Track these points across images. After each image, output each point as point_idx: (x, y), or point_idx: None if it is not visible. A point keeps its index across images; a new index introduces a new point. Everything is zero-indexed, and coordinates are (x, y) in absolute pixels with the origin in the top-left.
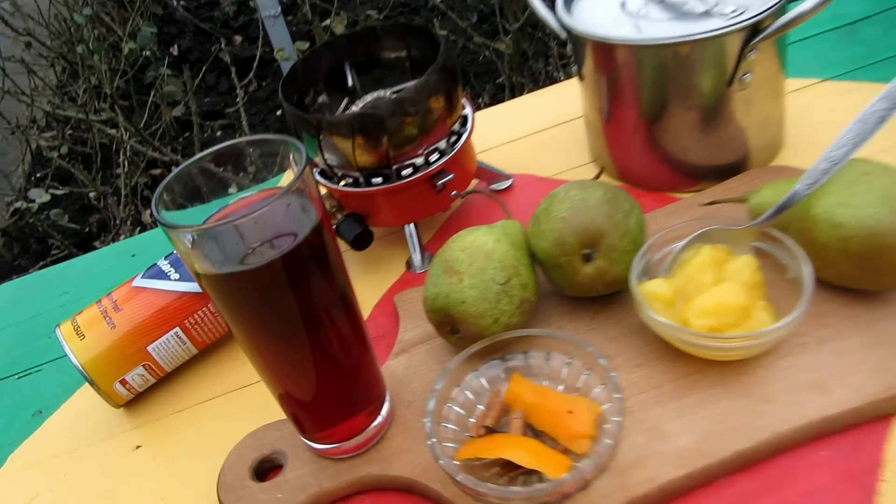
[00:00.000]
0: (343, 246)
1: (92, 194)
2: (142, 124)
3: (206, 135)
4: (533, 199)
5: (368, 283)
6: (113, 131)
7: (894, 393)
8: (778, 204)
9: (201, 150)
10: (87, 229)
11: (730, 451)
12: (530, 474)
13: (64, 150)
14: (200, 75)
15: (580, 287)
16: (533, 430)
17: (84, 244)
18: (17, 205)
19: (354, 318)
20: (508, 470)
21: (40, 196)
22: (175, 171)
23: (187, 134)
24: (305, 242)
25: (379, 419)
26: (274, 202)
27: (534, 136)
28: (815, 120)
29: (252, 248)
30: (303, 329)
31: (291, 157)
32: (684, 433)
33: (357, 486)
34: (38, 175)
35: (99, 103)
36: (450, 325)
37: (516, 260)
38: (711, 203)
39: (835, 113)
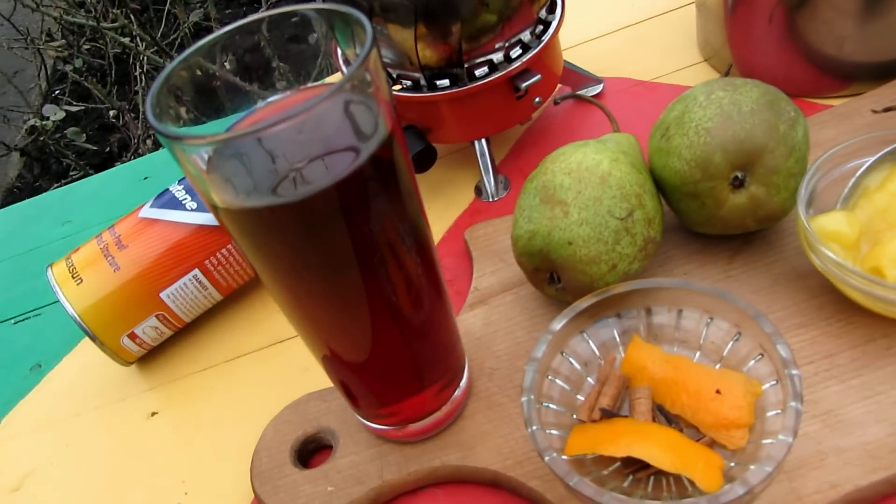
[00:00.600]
0: None
1: (111, 112)
2: (159, 34)
3: None
4: (631, 108)
5: (432, 213)
6: (126, 40)
7: None
8: None
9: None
10: (107, 149)
11: None
12: (663, 474)
13: (78, 63)
14: None
15: (723, 223)
16: (664, 415)
17: (104, 165)
18: (32, 122)
19: (429, 261)
20: (632, 466)
21: (54, 113)
22: (178, 58)
23: None
24: (370, 162)
25: (457, 393)
26: (326, 99)
27: (629, 28)
28: None
29: (293, 171)
30: (361, 278)
31: (345, 45)
32: (875, 421)
33: (429, 479)
34: (56, 92)
35: (113, 9)
36: (549, 272)
37: (640, 186)
38: (888, 109)
39: None
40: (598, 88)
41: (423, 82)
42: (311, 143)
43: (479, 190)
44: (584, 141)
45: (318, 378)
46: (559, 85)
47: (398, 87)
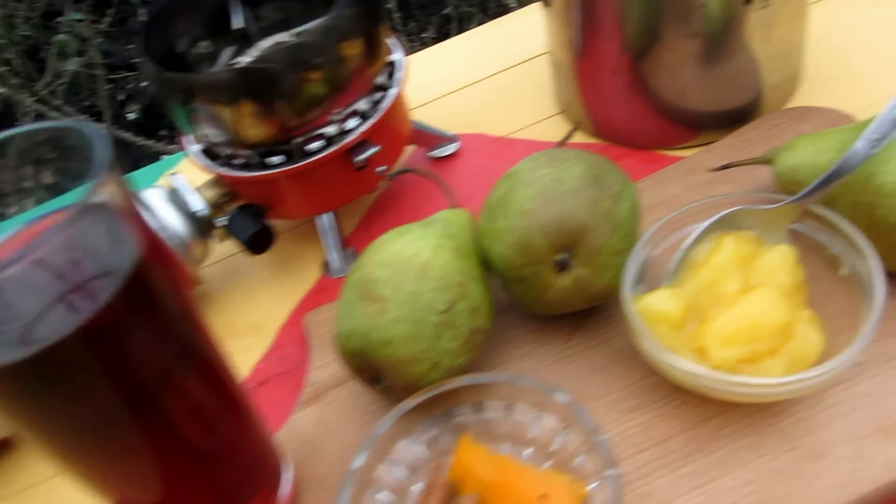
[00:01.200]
0: (236, 249)
1: None
2: (46, 80)
3: (125, 87)
4: (486, 168)
5: (274, 294)
6: (4, 90)
7: None
8: (828, 171)
9: (111, 109)
10: None
11: None
12: None
13: None
14: (112, 16)
15: (552, 305)
16: None
17: None
18: None
19: (217, 380)
20: None
21: None
22: None
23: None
24: (121, 293)
25: None
26: (53, 236)
27: (484, 82)
28: (838, 42)
29: (29, 319)
30: (136, 421)
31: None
32: None
33: None
34: None
35: None
36: (371, 374)
37: (463, 274)
38: (725, 167)
39: (864, 33)
40: (452, 148)
41: (254, 160)
42: (46, 284)
43: (326, 266)
44: (408, 226)
45: None
46: (412, 146)
47: (231, 164)
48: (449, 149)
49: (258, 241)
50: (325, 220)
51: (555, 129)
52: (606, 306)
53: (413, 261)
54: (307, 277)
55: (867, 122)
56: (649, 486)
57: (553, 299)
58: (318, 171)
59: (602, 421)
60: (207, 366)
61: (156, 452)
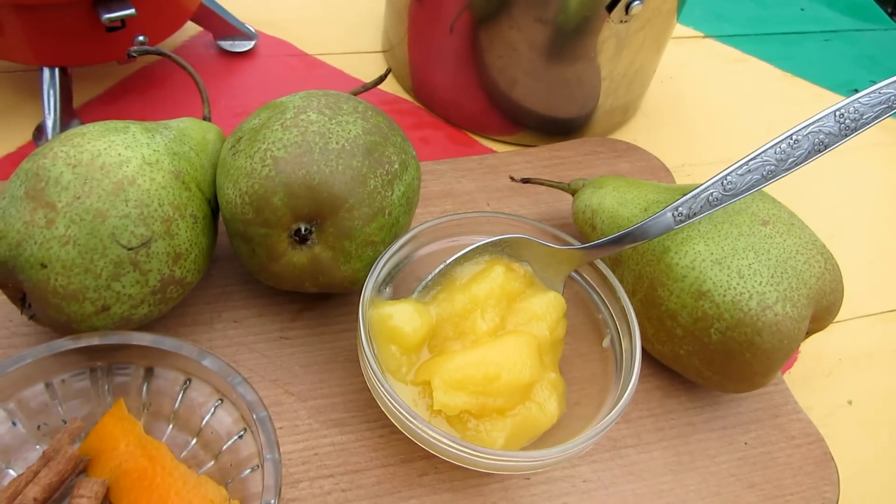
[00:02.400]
0: None
1: None
2: None
3: None
4: (272, 84)
5: None
6: None
7: None
8: (626, 231)
9: None
10: None
11: None
12: None
13: None
14: None
15: (277, 278)
16: None
17: None
18: None
19: None
20: None
21: None
22: None
23: None
24: None
25: None
26: None
27: None
28: (682, 88)
29: None
30: None
31: None
32: None
33: None
34: None
35: None
36: (18, 291)
37: (175, 208)
38: (526, 181)
39: (709, 87)
40: (248, 45)
41: None
42: None
43: (38, 130)
44: (126, 123)
45: None
46: (198, 28)
47: None
48: (241, 45)
49: None
50: (50, 75)
51: (370, 68)
52: (346, 295)
53: (111, 172)
54: (12, 139)
55: (682, 191)
56: None
57: (280, 273)
58: (54, 12)
59: (298, 427)
60: None
61: None
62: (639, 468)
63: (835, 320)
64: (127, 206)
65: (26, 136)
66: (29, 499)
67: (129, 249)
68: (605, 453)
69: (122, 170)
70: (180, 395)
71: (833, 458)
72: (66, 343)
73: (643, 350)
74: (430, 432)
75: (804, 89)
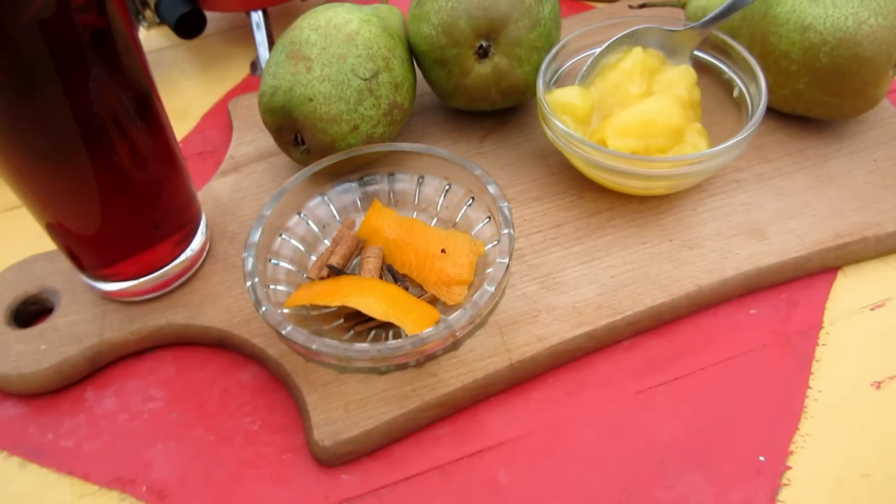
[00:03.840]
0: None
1: None
2: None
3: None
4: None
5: (201, 86)
6: None
7: (843, 242)
8: (730, 1)
9: None
10: None
11: (641, 305)
12: (384, 328)
13: None
14: None
15: (470, 93)
16: (392, 273)
17: None
18: None
19: (154, 124)
20: (356, 322)
21: None
22: None
23: None
24: (74, 18)
25: (187, 253)
26: None
27: None
28: None
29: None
30: (76, 140)
31: None
32: (587, 283)
33: (154, 339)
34: None
35: None
36: (293, 132)
37: (388, 50)
38: (642, 6)
39: None
40: None
41: None
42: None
43: (254, 66)
44: (340, 2)
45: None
46: None
47: None
48: None
49: (188, 24)
50: (257, 16)
51: None
52: (519, 115)
53: (342, 28)
54: (235, 74)
55: None
56: (539, 259)
57: (472, 86)
58: None
59: None
60: (147, 110)
61: (99, 182)
62: (785, 190)
63: None
64: (358, 49)
65: (244, 72)
66: (333, 262)
67: (365, 80)
68: (754, 185)
69: (349, 26)
70: (419, 188)
71: None
72: (341, 155)
73: (768, 106)
74: (613, 159)
75: None
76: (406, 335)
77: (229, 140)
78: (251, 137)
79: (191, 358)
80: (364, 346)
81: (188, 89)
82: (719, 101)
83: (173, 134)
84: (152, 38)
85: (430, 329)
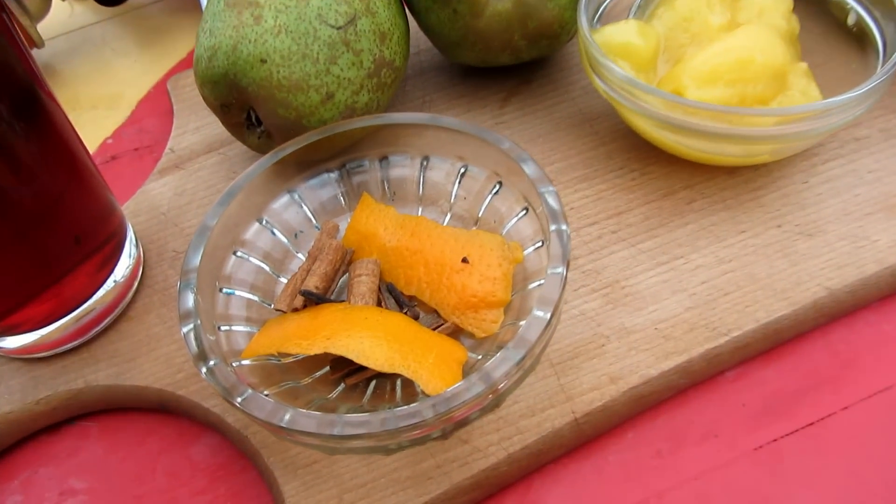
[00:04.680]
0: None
1: None
2: None
3: None
4: None
5: (136, 66)
6: None
7: None
8: None
9: None
10: None
11: (753, 322)
12: (389, 376)
13: None
14: None
15: (484, 40)
16: (394, 297)
17: None
18: None
19: (41, 125)
20: (346, 371)
21: None
22: None
23: None
24: None
25: (109, 283)
26: None
27: None
28: None
29: None
30: None
31: None
32: (670, 293)
33: (71, 408)
34: None
35: None
36: (244, 109)
37: None
38: None
39: None
40: None
41: None
42: None
43: None
44: None
45: None
46: None
47: None
48: None
49: None
50: None
51: None
52: (549, 70)
53: None
54: (180, 48)
55: None
56: (599, 262)
57: (486, 29)
58: None
59: None
60: (31, 109)
61: None
62: None
63: None
64: None
65: (189, 44)
66: (311, 286)
67: (338, 28)
68: (882, 143)
69: None
70: (425, 174)
71: None
72: (312, 135)
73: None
74: (699, 115)
75: None
76: (423, 394)
77: (170, 130)
78: (197, 123)
79: (124, 430)
80: (360, 417)
81: (121, 71)
82: (821, 33)
83: (74, 133)
84: (77, 15)
85: (459, 384)
